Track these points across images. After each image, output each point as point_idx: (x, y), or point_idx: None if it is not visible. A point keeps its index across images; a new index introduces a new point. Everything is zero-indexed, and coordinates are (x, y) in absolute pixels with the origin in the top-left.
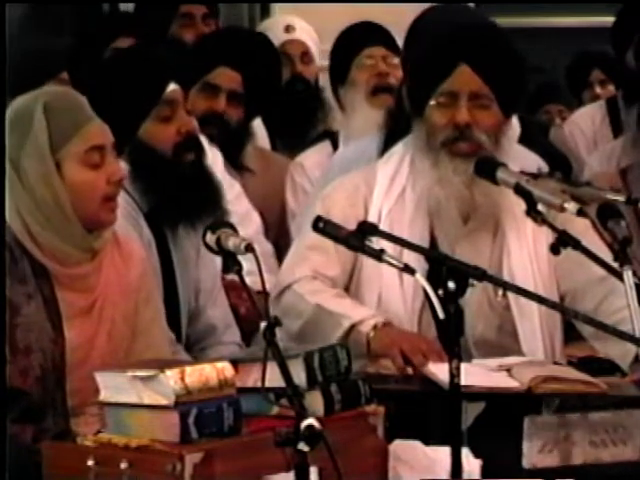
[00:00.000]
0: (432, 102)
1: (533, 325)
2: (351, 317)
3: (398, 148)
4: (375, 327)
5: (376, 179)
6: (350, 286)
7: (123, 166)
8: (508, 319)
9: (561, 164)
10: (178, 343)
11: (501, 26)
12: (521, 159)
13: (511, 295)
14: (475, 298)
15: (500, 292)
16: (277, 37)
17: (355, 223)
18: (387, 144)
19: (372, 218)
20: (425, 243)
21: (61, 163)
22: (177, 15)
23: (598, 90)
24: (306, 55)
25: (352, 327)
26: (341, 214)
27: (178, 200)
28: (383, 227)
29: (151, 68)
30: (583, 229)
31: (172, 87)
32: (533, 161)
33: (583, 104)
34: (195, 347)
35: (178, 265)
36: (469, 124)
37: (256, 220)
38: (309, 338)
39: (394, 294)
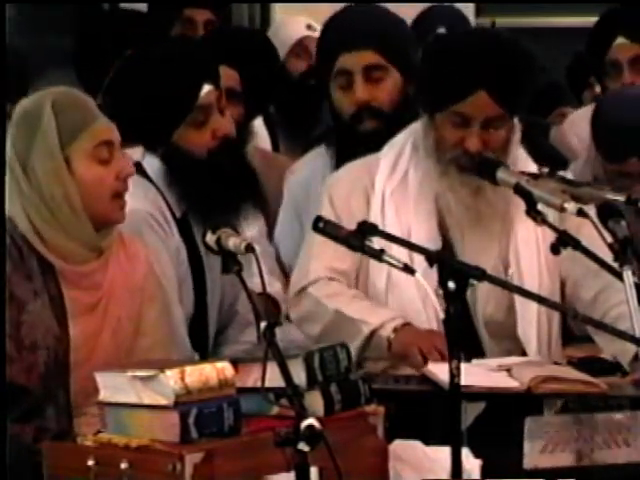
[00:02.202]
0: (443, 117)
1: (531, 307)
2: (371, 323)
3: (400, 137)
4: (395, 330)
5: (379, 167)
6: (360, 272)
7: (157, 165)
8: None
9: (561, 165)
10: (195, 352)
11: (517, 39)
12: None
13: (516, 276)
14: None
15: (510, 271)
16: (298, 31)
17: (358, 212)
18: (339, 154)
19: (375, 203)
20: (433, 224)
21: (70, 159)
22: (180, 19)
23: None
24: None
25: (372, 333)
26: (345, 204)
27: (218, 197)
28: (388, 210)
29: (185, 74)
30: (581, 223)
31: (206, 89)
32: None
33: (583, 104)
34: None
35: (211, 269)
36: (480, 151)
37: (260, 221)
38: (330, 342)
39: (403, 274)
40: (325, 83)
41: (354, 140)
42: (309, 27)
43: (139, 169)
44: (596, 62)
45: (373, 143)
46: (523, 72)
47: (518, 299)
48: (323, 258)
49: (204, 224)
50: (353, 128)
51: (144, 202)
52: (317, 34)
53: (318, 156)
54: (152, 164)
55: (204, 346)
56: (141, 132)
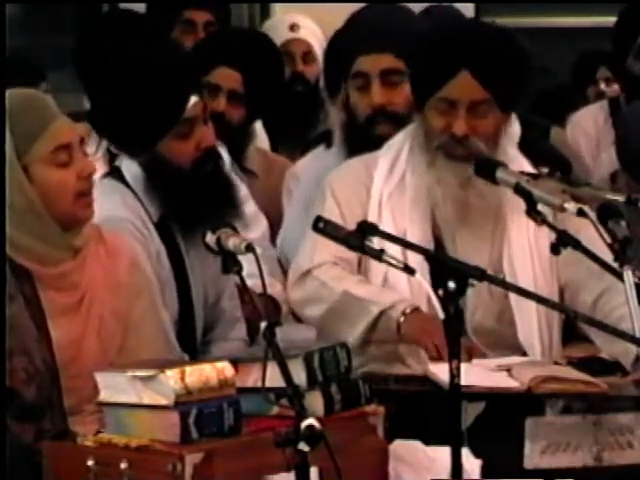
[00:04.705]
0: (431, 105)
1: (530, 313)
2: (380, 303)
3: (398, 137)
4: (404, 312)
5: (377, 166)
6: (360, 264)
7: (135, 170)
8: (508, 307)
9: (561, 166)
10: (183, 352)
11: (504, 26)
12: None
13: (509, 280)
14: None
15: (501, 277)
16: (281, 35)
17: (359, 207)
18: (351, 155)
19: (373, 204)
20: (427, 228)
21: (28, 166)
22: (179, 20)
23: (603, 87)
24: (308, 55)
25: (381, 313)
26: (346, 195)
27: (196, 204)
28: (385, 212)
29: (173, 86)
30: (581, 224)
31: (193, 101)
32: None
33: (588, 101)
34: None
35: (193, 269)
36: (467, 135)
37: (263, 224)
38: (333, 324)
39: (400, 272)
40: (337, 81)
41: (368, 142)
42: (292, 27)
43: (116, 172)
44: (622, 49)
45: None
46: (506, 53)
47: (516, 308)
48: (328, 245)
49: (183, 231)
50: (368, 131)
51: (122, 208)
52: (301, 33)
53: (329, 155)
54: (130, 169)
55: (192, 347)
56: (124, 141)
